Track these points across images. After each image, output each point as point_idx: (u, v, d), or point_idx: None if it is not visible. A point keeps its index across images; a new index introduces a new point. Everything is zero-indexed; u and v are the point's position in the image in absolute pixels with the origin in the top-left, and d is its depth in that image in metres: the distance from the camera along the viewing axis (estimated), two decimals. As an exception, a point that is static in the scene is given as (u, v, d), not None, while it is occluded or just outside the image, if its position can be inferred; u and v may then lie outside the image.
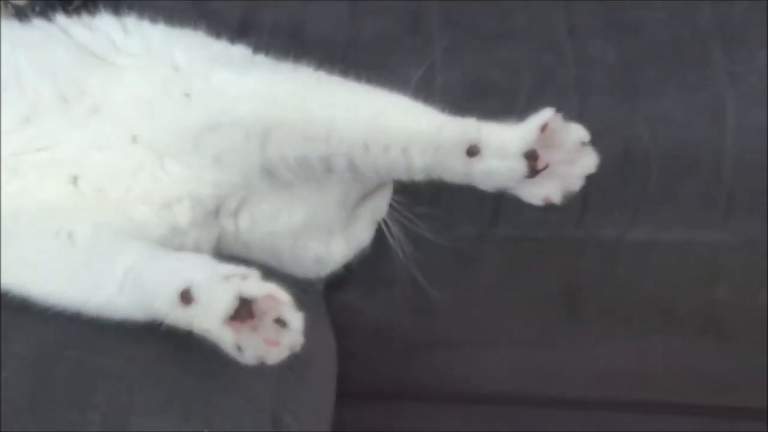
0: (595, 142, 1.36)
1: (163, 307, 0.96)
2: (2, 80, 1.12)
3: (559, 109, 1.32)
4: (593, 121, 1.38)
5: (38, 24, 1.24)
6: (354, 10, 1.66)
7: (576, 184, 0.99)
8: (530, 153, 0.96)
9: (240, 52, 1.23)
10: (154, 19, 1.27)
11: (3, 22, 1.23)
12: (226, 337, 0.92)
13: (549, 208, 1.32)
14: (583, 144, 0.99)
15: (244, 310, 0.92)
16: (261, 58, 1.22)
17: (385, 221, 1.25)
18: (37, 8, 1.45)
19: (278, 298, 0.92)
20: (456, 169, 1.00)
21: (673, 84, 1.48)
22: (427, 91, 1.42)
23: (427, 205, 1.35)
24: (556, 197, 1.00)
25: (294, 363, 1.00)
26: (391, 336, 1.46)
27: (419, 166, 1.03)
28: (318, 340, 1.27)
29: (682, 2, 1.62)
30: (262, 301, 0.92)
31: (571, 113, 1.38)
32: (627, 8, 1.63)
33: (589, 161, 1.02)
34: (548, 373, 1.51)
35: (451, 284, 1.40)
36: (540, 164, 0.96)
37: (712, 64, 1.50)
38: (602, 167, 1.34)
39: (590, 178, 1.32)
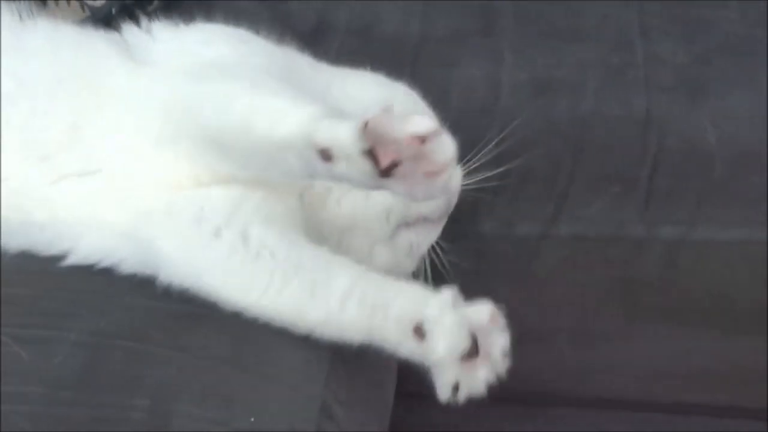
0: (661, 140, 1.39)
1: (394, 338, 0.98)
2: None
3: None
4: (659, 120, 1.42)
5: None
6: (427, 9, 1.70)
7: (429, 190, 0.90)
8: (368, 152, 0.89)
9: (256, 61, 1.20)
10: (232, 21, 1.28)
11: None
12: (449, 374, 0.94)
13: (611, 206, 1.36)
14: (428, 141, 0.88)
15: (472, 346, 0.95)
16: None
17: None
18: (114, 9, 1.51)
19: (499, 318, 0.97)
20: (323, 173, 0.94)
21: (742, 83, 1.49)
22: (493, 89, 1.51)
23: (488, 204, 1.37)
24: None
25: (348, 354, 1.03)
26: None
27: (300, 172, 0.98)
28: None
29: (756, 1, 1.62)
30: (486, 331, 0.95)
31: (637, 112, 1.43)
32: (699, 7, 1.64)
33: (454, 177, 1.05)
34: (604, 372, 1.51)
35: (510, 280, 1.41)
36: (383, 162, 0.89)
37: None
38: (665, 165, 1.37)
39: (653, 177, 1.35)
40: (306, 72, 1.23)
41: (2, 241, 1.14)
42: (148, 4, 1.59)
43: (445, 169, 0.88)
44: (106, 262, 1.12)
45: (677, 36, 1.59)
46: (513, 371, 1.44)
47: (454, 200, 1.23)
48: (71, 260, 1.13)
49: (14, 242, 1.14)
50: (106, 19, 1.37)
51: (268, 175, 1.06)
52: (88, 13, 1.44)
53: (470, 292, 1.35)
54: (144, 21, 1.26)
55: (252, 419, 0.98)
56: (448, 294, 0.97)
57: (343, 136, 0.89)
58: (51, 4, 1.44)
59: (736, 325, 1.42)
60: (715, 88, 1.47)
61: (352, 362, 1.08)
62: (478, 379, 0.95)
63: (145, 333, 1.05)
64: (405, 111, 0.88)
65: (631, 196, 1.37)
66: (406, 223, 1.20)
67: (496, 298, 1.35)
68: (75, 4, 1.42)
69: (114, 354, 1.03)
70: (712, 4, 1.66)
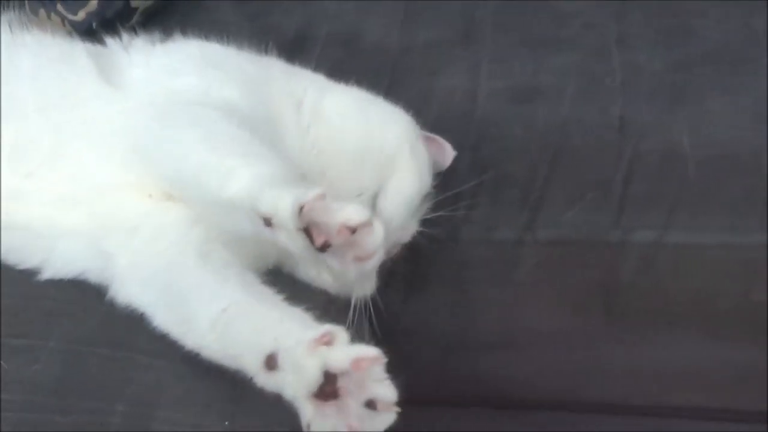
0: (636, 146, 1.41)
1: (250, 367, 0.96)
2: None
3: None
4: (634, 126, 1.44)
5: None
6: (407, 19, 1.73)
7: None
8: (304, 229, 0.93)
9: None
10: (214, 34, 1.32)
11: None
12: (306, 412, 0.89)
13: (588, 211, 1.38)
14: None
15: (329, 386, 0.88)
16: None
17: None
18: (95, 23, 1.54)
19: (366, 365, 0.87)
20: (269, 236, 0.97)
21: (718, 89, 1.51)
22: (472, 98, 1.54)
23: (466, 208, 1.38)
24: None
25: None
26: (428, 339, 1.49)
27: (250, 229, 1.00)
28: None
29: (736, 8, 1.66)
30: (349, 375, 0.87)
31: (613, 119, 1.45)
32: (677, 15, 1.67)
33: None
34: (587, 376, 1.52)
35: (490, 285, 1.43)
36: (317, 242, 0.92)
37: (759, 69, 1.52)
38: (640, 170, 1.39)
39: (628, 182, 1.37)
40: (280, 89, 1.26)
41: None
42: (128, 18, 1.62)
43: (373, 256, 0.93)
44: (76, 275, 1.15)
45: (654, 43, 1.61)
46: (494, 376, 1.48)
47: (396, 250, 1.29)
48: (46, 275, 1.16)
49: None
50: (87, 33, 1.38)
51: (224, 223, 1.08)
52: (68, 27, 1.46)
53: (450, 297, 1.44)
54: (125, 36, 1.29)
55: (226, 423, 1.01)
56: (319, 330, 0.91)
57: (281, 211, 0.93)
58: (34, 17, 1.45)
59: (716, 327, 1.43)
60: (692, 95, 1.50)
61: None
62: (330, 423, 0.88)
63: (124, 340, 1.08)
64: (339, 201, 0.92)
65: (607, 200, 1.39)
66: None
67: (477, 303, 1.43)
68: (56, 19, 1.43)
69: (93, 361, 1.05)
70: (690, 12, 1.68)
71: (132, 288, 1.10)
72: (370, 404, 0.87)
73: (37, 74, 1.21)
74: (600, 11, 1.72)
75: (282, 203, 0.92)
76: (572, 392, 1.56)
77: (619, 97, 1.51)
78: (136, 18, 1.63)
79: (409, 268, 1.38)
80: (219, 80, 1.20)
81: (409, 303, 1.44)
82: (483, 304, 1.44)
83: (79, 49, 1.25)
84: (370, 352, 0.88)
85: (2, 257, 1.17)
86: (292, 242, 0.93)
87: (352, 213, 0.91)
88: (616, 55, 1.60)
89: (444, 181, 1.37)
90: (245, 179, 0.98)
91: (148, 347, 1.07)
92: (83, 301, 1.13)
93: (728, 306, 1.40)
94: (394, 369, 0.89)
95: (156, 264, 1.09)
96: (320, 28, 1.70)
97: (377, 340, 1.14)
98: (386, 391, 0.88)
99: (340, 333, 0.90)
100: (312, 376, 0.87)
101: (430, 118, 1.44)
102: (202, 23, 1.45)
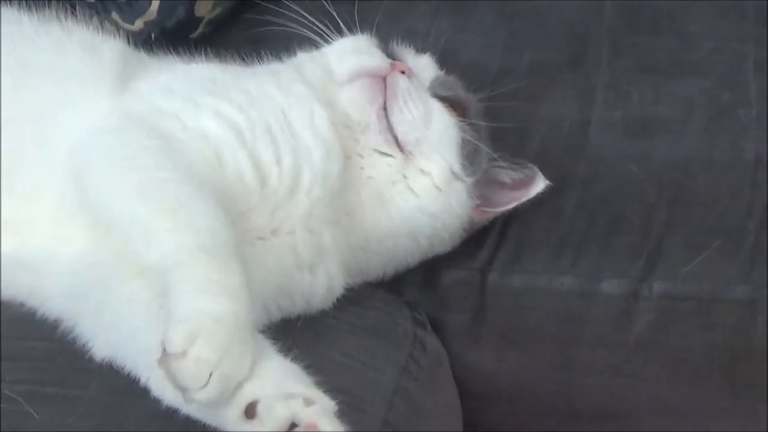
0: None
1: (228, 422, 0.98)
2: None
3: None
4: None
5: None
6: (511, 36, 1.70)
7: None
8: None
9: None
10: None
11: None
12: None
13: (712, 262, 1.33)
14: None
15: None
16: None
17: None
18: (154, 35, 1.54)
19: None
20: None
21: None
22: (581, 128, 1.50)
23: (572, 255, 1.36)
24: None
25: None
26: (524, 404, 1.45)
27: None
28: (436, 403, 1.27)
29: None
30: None
31: (746, 157, 1.41)
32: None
33: None
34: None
35: (593, 346, 1.38)
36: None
37: None
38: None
39: (761, 231, 1.32)
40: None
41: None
42: (192, 30, 1.61)
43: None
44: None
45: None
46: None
47: None
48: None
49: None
50: (145, 45, 1.38)
51: None
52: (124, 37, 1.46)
53: (551, 357, 1.39)
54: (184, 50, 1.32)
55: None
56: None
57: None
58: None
59: None
60: None
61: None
62: None
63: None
64: None
65: (736, 251, 1.35)
66: None
67: (582, 365, 1.39)
68: (110, 28, 1.42)
69: (134, 414, 1.04)
70: None
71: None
72: None
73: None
74: (734, 32, 1.66)
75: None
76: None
77: (753, 132, 1.46)
78: (201, 29, 1.62)
79: (504, 322, 1.35)
80: (207, 110, 1.20)
81: (504, 361, 1.40)
82: (589, 367, 1.39)
83: (110, 44, 1.29)
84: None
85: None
86: None
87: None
88: (753, 84, 1.55)
89: (547, 222, 1.36)
90: (163, 249, 1.02)
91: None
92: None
93: None
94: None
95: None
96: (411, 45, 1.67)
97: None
98: None
99: (327, 402, 0.97)
100: (279, 421, 0.94)
101: (532, 149, 1.43)
102: (276, 38, 1.44)
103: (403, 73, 1.28)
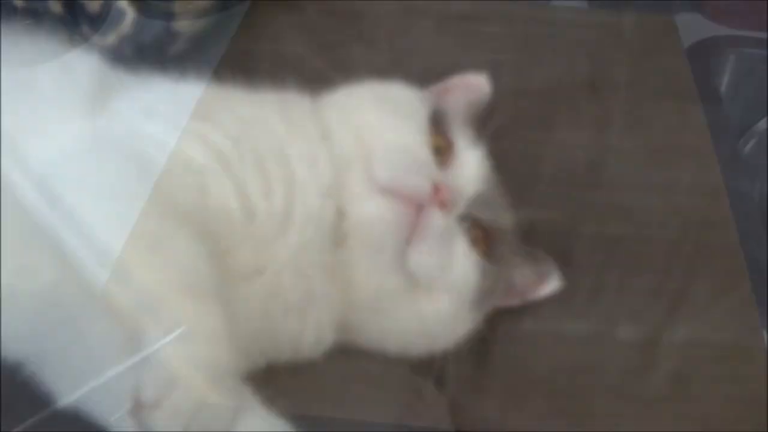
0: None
1: None
2: None
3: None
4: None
5: None
6: (521, 53, 1.69)
7: None
8: None
9: None
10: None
11: None
12: None
13: (742, 306, 1.28)
14: None
15: None
16: None
17: None
18: (129, 50, 1.51)
19: None
20: None
21: None
22: (599, 156, 1.46)
23: (585, 296, 1.30)
24: None
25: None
26: None
27: None
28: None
29: None
30: None
31: None
32: None
33: None
34: None
35: (612, 398, 1.29)
36: None
37: None
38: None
39: None
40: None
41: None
42: (170, 44, 1.57)
43: None
44: None
45: None
46: None
47: None
48: None
49: None
50: (120, 62, 1.34)
51: None
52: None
53: (561, 410, 1.28)
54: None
55: None
56: None
57: None
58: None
59: None
60: None
61: None
62: None
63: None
64: None
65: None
66: None
67: (595, 420, 1.29)
68: (80, 42, 1.44)
69: None
70: None
71: None
72: None
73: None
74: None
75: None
76: None
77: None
78: (180, 45, 1.57)
79: (509, 371, 1.28)
80: (191, 134, 1.15)
81: (508, 415, 1.30)
82: (602, 421, 1.29)
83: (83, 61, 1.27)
84: None
85: None
86: None
87: None
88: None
89: (558, 259, 1.29)
90: (143, 286, 1.00)
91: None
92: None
93: None
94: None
95: None
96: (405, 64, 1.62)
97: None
98: None
99: None
100: None
101: (543, 178, 1.39)
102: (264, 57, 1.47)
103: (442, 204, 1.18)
